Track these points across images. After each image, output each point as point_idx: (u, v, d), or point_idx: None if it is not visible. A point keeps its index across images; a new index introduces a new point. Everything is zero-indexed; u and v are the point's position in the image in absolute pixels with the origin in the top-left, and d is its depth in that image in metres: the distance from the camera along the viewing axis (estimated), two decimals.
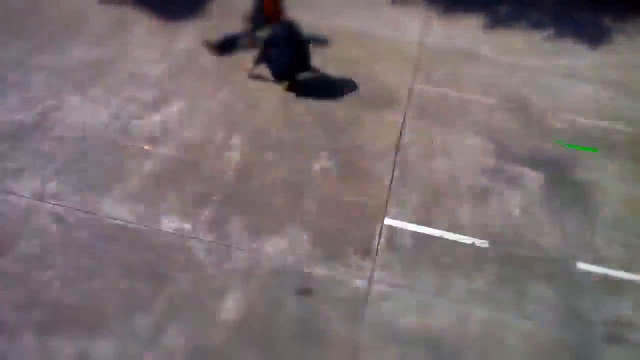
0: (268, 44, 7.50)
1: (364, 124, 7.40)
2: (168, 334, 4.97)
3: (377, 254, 5.83)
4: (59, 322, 4.95)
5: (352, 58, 8.52)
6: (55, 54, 7.96)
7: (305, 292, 5.43)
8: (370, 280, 5.59)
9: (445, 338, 5.17)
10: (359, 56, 8.59)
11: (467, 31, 9.39)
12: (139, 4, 9.16)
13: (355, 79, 8.14)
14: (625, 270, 5.96)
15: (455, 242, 6.05)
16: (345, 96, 7.79)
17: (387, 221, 6.17)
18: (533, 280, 5.77)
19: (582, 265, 5.97)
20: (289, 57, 7.53)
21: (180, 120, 7.14)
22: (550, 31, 9.57)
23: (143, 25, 8.73)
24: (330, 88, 7.89)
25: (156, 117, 7.14)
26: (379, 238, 5.99)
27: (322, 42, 8.64)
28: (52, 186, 6.12)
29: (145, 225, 5.84)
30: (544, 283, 5.75)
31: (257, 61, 7.71)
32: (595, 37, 9.55)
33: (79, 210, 5.91)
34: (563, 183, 6.88)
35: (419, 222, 6.20)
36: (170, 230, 5.82)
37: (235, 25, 8.71)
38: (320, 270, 5.63)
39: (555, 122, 7.78)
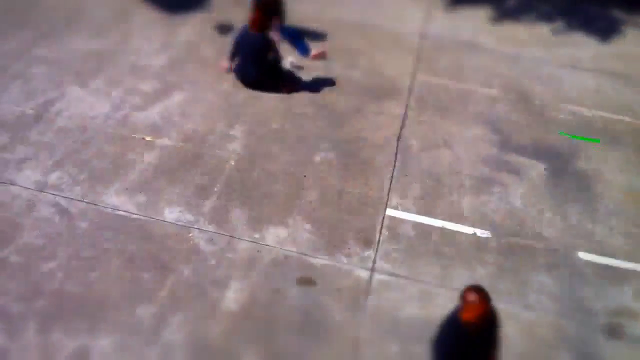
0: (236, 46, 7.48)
1: (366, 115, 7.38)
2: (170, 324, 4.99)
3: (378, 244, 5.84)
4: (61, 313, 4.97)
5: (353, 49, 8.49)
6: (56, 45, 7.94)
7: (306, 282, 5.44)
8: (371, 271, 5.60)
9: None
10: (360, 47, 8.56)
11: (470, 22, 9.35)
12: None
13: (356, 70, 8.11)
14: (627, 260, 5.96)
15: (456, 232, 6.05)
16: (346, 87, 7.77)
17: (389, 211, 6.17)
18: (534, 270, 5.77)
19: (584, 255, 5.97)
20: (240, 64, 7.46)
21: (182, 111, 7.13)
22: (557, 23, 9.52)
23: (144, 16, 8.71)
24: (332, 79, 7.87)
25: (157, 108, 7.13)
26: (381, 228, 6.00)
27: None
28: (53, 177, 6.12)
29: (147, 216, 5.84)
30: (545, 273, 5.75)
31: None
32: (601, 28, 9.50)
33: (81, 201, 5.92)
34: (565, 173, 6.87)
35: (421, 212, 6.20)
36: (172, 221, 5.83)
37: (237, 16, 8.68)
38: (321, 261, 5.63)
39: (557, 112, 7.76)
